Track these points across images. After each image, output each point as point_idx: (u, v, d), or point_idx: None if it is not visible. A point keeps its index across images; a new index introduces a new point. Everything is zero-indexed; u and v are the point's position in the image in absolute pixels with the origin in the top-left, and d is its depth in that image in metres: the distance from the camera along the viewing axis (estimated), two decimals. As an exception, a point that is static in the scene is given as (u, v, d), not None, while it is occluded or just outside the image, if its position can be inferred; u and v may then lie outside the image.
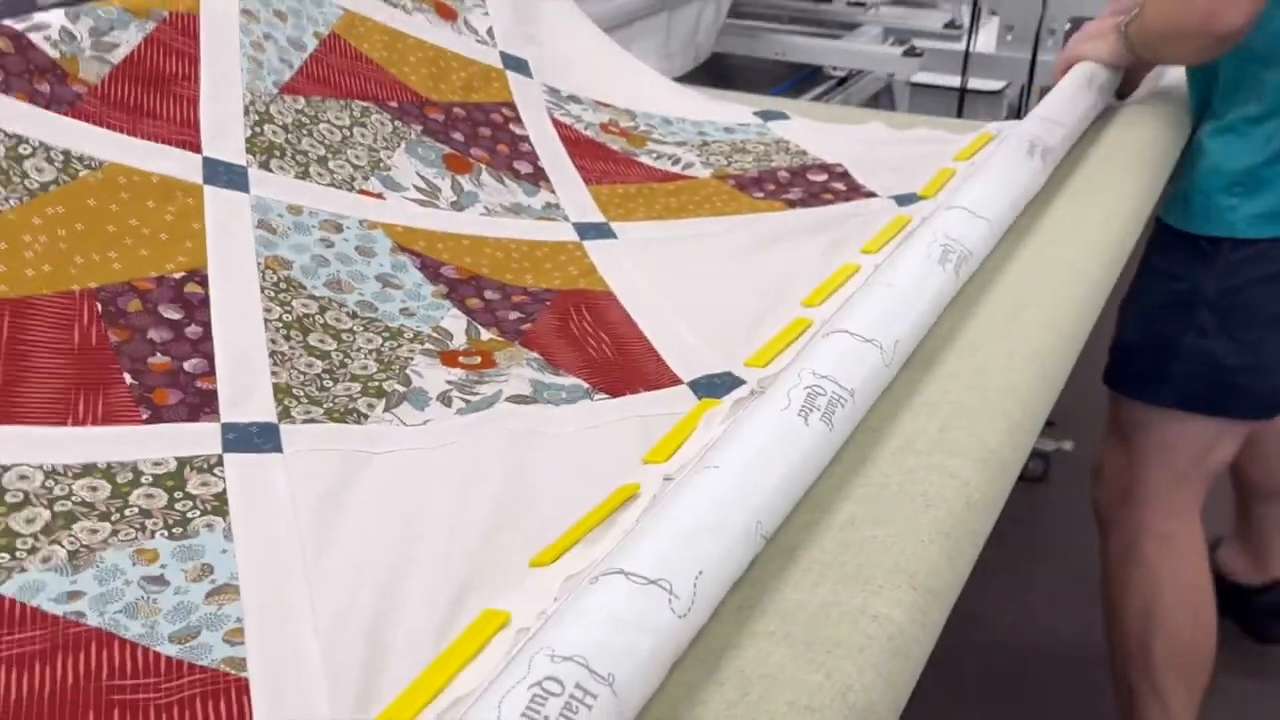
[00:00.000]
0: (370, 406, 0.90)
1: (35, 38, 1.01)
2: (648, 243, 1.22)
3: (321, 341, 0.95)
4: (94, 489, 0.77)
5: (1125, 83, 1.47)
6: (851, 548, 0.73)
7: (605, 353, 1.03)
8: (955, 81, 2.34)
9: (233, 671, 0.67)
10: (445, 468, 0.86)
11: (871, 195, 1.32)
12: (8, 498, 0.75)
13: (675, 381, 0.99)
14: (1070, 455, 2.22)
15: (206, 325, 0.94)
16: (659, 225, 1.25)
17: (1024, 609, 1.94)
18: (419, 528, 0.80)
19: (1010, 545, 1.97)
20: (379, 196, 1.14)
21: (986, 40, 2.41)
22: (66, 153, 0.97)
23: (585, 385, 0.98)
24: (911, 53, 2.41)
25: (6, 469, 0.77)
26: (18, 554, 0.72)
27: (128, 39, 1.07)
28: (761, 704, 0.61)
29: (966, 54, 2.31)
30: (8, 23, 1.01)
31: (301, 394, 0.89)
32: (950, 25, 2.74)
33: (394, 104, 1.25)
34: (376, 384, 0.92)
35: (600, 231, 1.23)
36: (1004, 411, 0.87)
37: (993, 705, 1.75)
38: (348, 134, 1.16)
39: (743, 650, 0.65)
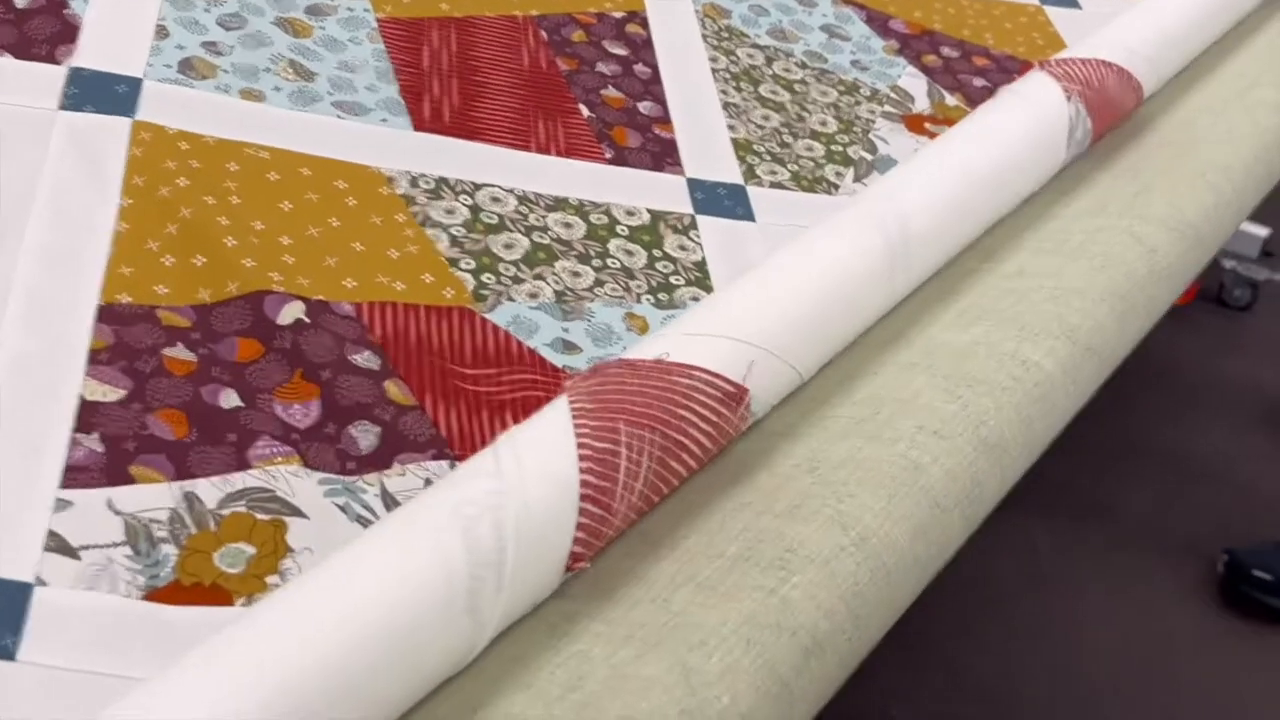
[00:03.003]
0: (839, 175, 0.84)
1: None
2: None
3: (774, 93, 0.91)
4: (568, 225, 0.73)
5: None
6: (1014, 295, 0.69)
7: None
8: None
9: None
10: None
11: None
12: (483, 217, 0.72)
13: None
14: (1281, 287, 2.08)
15: (654, 68, 0.88)
16: None
17: (1208, 440, 1.86)
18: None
19: (1207, 374, 1.88)
20: None
21: None
22: None
23: None
24: None
25: (478, 187, 0.74)
26: (502, 280, 0.68)
27: None
28: (889, 423, 0.59)
29: None
30: None
31: (763, 150, 0.84)
32: None
33: None
34: (840, 148, 0.87)
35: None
36: (1211, 185, 0.81)
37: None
38: None
39: (880, 376, 0.63)
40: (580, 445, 0.49)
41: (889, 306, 0.66)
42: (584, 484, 0.48)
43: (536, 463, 0.48)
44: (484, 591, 0.44)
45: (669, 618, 0.49)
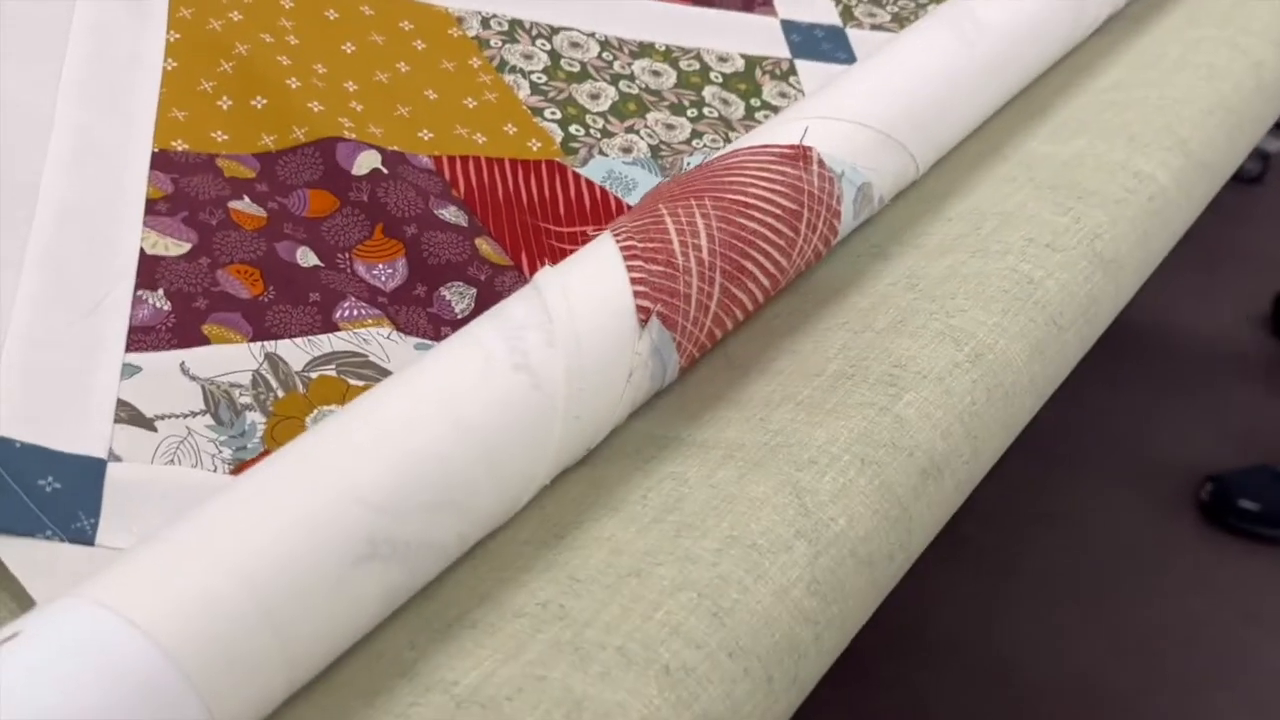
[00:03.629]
0: None
1: None
2: None
3: None
4: (657, 74, 0.67)
5: None
6: (1116, 106, 0.63)
7: None
8: None
9: None
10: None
11: None
12: (563, 64, 0.65)
13: None
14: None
15: None
16: None
17: (1211, 307, 1.80)
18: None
19: (1211, 245, 1.81)
20: None
21: None
22: None
23: None
24: None
25: (555, 31, 0.67)
26: (591, 132, 0.62)
27: None
28: (995, 236, 0.54)
29: None
30: None
31: None
32: None
33: None
34: None
35: None
36: (1316, -3, 0.74)
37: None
38: None
39: (976, 191, 0.57)
40: (618, 232, 0.44)
41: (981, 115, 0.60)
42: (627, 250, 0.43)
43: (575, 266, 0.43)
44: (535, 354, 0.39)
45: (769, 436, 0.44)
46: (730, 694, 0.36)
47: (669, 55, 0.68)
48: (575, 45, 0.66)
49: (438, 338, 0.49)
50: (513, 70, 0.63)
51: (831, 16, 0.74)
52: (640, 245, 0.44)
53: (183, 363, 0.45)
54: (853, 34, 0.73)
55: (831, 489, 0.41)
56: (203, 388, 0.45)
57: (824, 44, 0.73)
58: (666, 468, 0.43)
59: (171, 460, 0.42)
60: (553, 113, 0.61)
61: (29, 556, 0.38)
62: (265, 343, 0.47)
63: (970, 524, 1.39)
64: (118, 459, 0.42)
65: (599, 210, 0.58)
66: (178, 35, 0.57)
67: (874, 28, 0.74)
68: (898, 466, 0.43)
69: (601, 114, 0.63)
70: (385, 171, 0.54)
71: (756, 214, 0.47)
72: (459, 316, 0.50)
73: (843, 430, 0.43)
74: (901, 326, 0.48)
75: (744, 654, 0.37)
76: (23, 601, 0.38)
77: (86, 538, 0.39)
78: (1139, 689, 1.27)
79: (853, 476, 0.42)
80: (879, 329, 0.49)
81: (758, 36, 0.71)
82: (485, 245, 0.53)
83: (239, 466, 0.43)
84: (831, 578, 0.40)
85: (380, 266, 0.51)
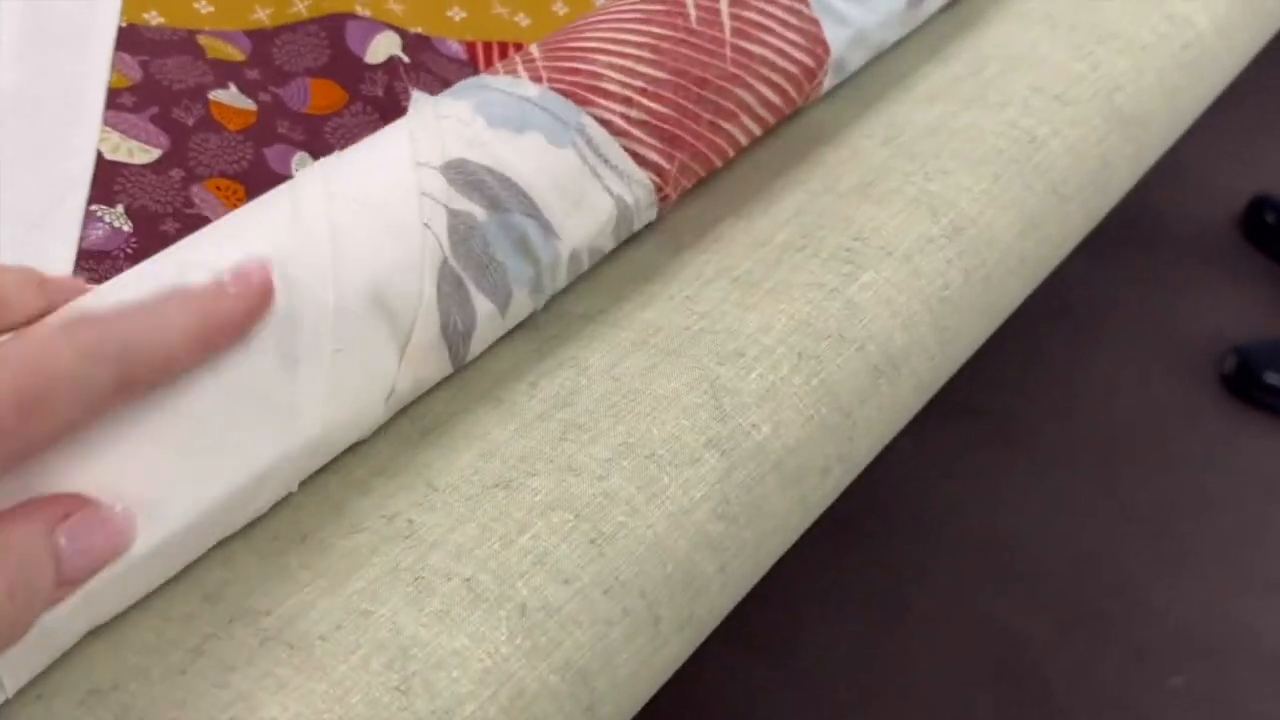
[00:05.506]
0: None
1: None
2: None
3: None
4: None
5: None
6: (1159, -67, 0.53)
7: None
8: None
9: None
10: None
11: None
12: None
13: None
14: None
15: None
16: None
17: (1252, 174, 1.67)
18: None
19: (1257, 104, 1.68)
20: None
21: None
22: None
23: None
24: None
25: None
26: None
27: None
28: (995, 83, 0.45)
29: None
30: None
31: None
32: None
33: None
34: None
35: None
36: None
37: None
38: None
39: (983, 28, 0.48)
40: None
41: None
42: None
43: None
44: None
45: (693, 320, 0.36)
46: (602, 639, 0.30)
47: None
48: None
49: None
50: None
51: None
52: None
53: None
54: None
55: (758, 388, 0.34)
56: None
57: None
58: (566, 350, 0.36)
59: None
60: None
61: None
62: None
63: (978, 391, 1.32)
64: None
65: None
66: None
67: None
68: (843, 363, 0.36)
69: None
70: (406, 59, 0.44)
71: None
72: None
73: (780, 315, 0.36)
74: (869, 190, 0.41)
75: (623, 590, 0.30)
76: None
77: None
78: (1146, 566, 1.22)
79: (785, 373, 0.35)
80: (842, 191, 0.41)
81: None
82: None
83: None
84: (746, 497, 0.33)
85: None
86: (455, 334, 0.32)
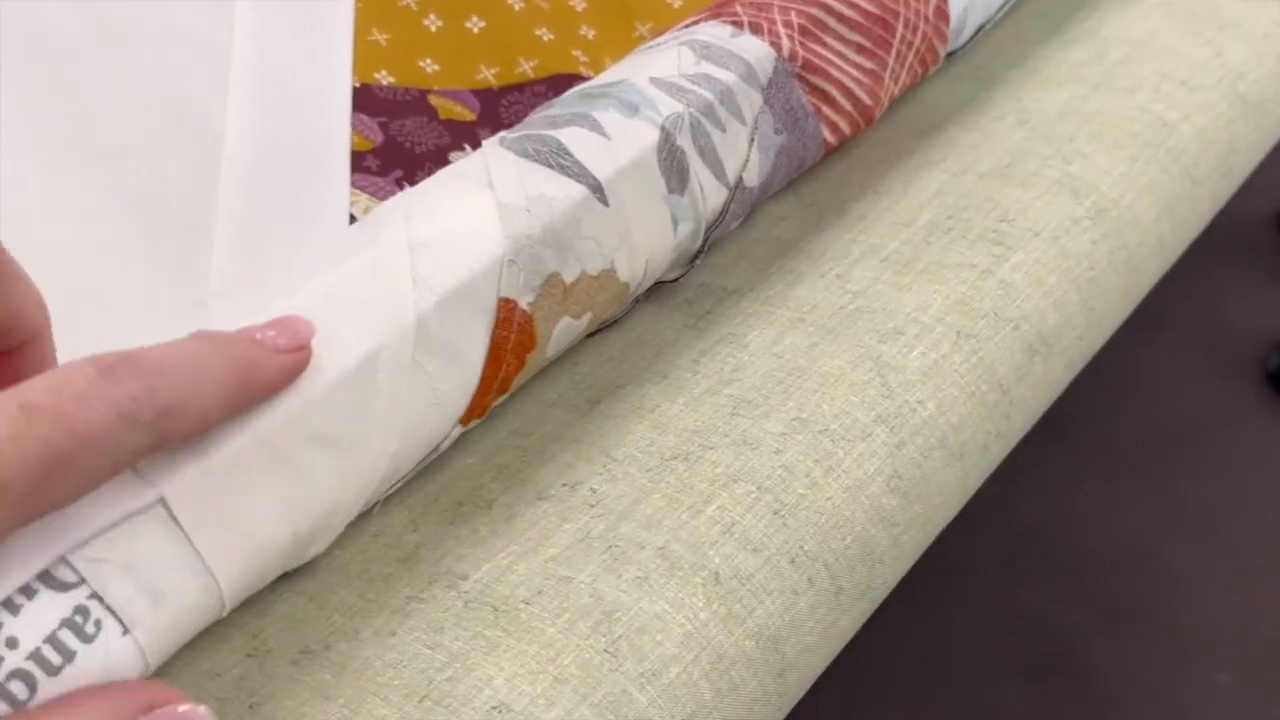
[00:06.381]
0: None
1: None
2: None
3: None
4: None
5: None
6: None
7: None
8: None
9: None
10: None
11: None
12: None
13: None
14: None
15: None
16: None
17: None
18: None
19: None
20: None
21: None
22: None
23: None
24: None
25: None
26: None
27: None
28: (1122, 68, 0.45)
29: None
30: None
31: None
32: None
33: None
34: None
35: None
36: None
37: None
38: None
39: (1100, 12, 0.49)
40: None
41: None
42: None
43: None
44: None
45: (848, 299, 0.37)
46: (791, 607, 0.30)
47: None
48: None
49: None
50: None
51: None
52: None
53: None
54: None
55: (920, 366, 0.35)
56: None
57: None
58: (723, 327, 0.36)
59: None
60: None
61: None
62: None
63: (1024, 383, 1.32)
64: None
65: None
66: None
67: None
68: (1000, 341, 0.36)
69: None
70: None
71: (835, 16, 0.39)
72: None
73: (937, 296, 0.36)
74: (1010, 172, 0.41)
75: (809, 560, 0.31)
76: None
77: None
78: (1192, 561, 1.22)
79: (946, 351, 0.35)
80: (982, 172, 0.41)
81: None
82: None
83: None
84: (916, 471, 0.33)
85: None
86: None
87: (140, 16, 0.41)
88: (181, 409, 0.22)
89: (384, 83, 0.42)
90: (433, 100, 0.42)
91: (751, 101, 0.36)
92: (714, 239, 0.36)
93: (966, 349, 0.35)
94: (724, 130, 0.35)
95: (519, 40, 0.38)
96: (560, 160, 0.32)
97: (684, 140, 0.34)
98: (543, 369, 0.34)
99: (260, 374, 0.25)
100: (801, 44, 0.38)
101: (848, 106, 0.39)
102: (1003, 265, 0.37)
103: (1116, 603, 1.19)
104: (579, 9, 0.46)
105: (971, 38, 0.45)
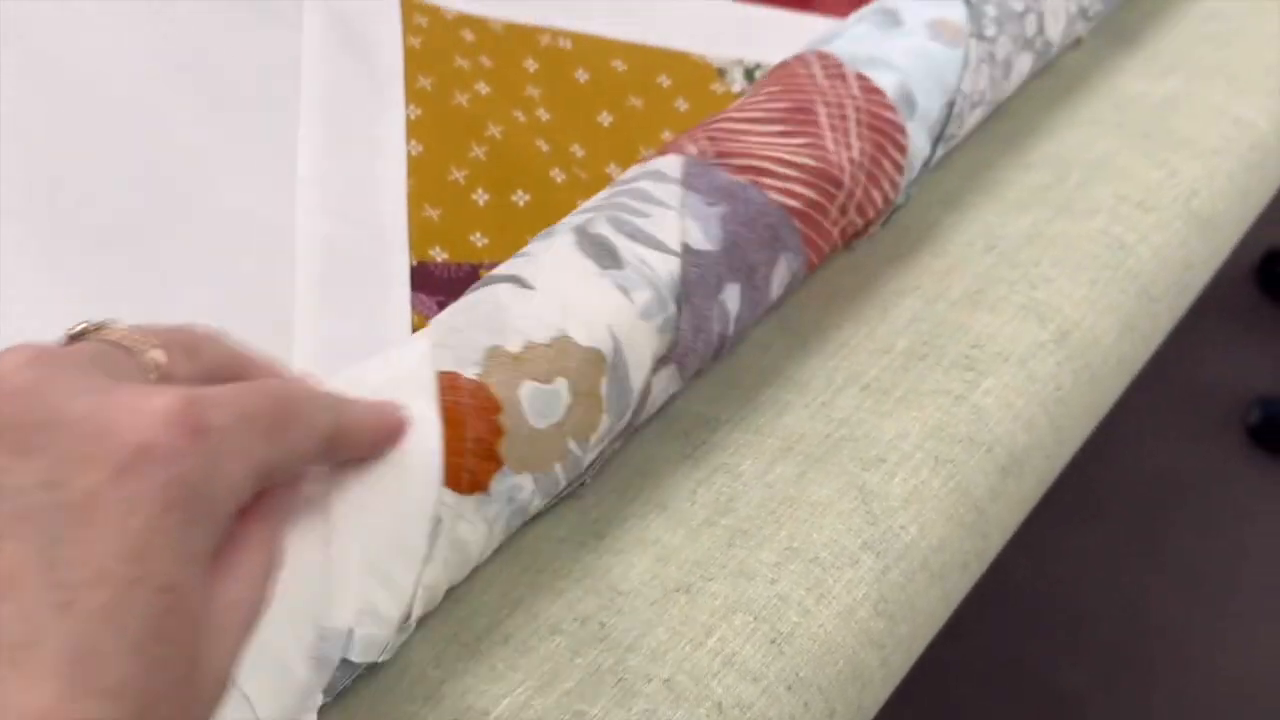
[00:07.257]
0: None
1: None
2: None
3: None
4: None
5: None
6: (1214, 41, 0.57)
7: None
8: None
9: None
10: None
11: None
12: None
13: None
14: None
15: None
16: None
17: (1269, 229, 1.72)
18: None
19: None
20: None
21: None
22: None
23: None
24: None
25: None
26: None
27: None
28: (1082, 190, 0.49)
29: None
30: None
31: None
32: None
33: None
34: None
35: None
36: None
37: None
38: None
39: (1059, 134, 0.52)
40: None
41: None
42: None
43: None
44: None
45: (832, 427, 0.39)
46: (788, 732, 0.33)
47: None
48: None
49: None
50: None
51: None
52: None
53: None
54: None
55: (902, 492, 0.37)
56: None
57: None
58: (717, 457, 0.39)
59: None
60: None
61: None
62: None
63: (1009, 447, 1.35)
64: None
65: None
66: (419, 111, 0.48)
67: None
68: (975, 464, 0.39)
69: None
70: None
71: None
72: None
73: (915, 423, 0.39)
74: (980, 297, 0.44)
75: (804, 686, 0.33)
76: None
77: None
78: (1186, 616, 1.25)
79: (925, 477, 0.38)
80: (954, 299, 0.44)
81: None
82: None
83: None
84: (901, 594, 0.36)
85: None
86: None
87: (204, 196, 0.44)
88: (347, 420, 0.29)
89: (439, 259, 0.44)
90: (483, 274, 0.44)
91: (668, 191, 0.38)
92: (696, 303, 0.38)
93: (944, 474, 0.38)
94: (646, 215, 0.37)
95: (562, 212, 0.40)
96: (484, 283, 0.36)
97: (603, 229, 0.37)
98: (553, 506, 0.36)
99: (377, 439, 0.31)
100: (711, 144, 0.40)
101: (793, 173, 0.40)
102: (975, 390, 0.40)
103: (1115, 657, 1.21)
104: (612, 172, 0.48)
105: (940, 153, 0.48)
